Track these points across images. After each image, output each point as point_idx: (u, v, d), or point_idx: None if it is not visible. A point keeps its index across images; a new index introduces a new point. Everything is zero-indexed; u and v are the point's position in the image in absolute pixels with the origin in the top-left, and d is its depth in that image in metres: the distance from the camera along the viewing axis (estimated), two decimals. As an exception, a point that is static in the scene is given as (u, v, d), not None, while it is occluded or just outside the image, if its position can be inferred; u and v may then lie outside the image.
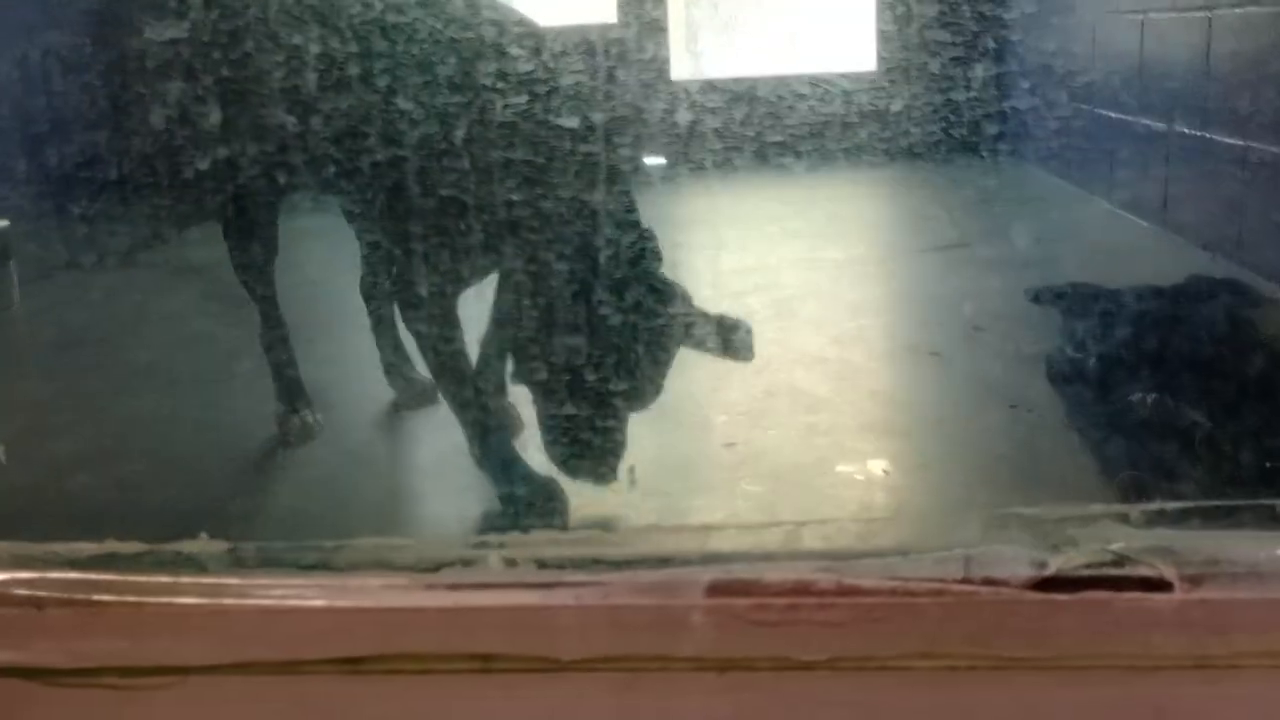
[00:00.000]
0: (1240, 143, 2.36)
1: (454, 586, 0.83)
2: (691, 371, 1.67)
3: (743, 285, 2.46)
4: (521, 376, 1.60)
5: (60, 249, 2.70)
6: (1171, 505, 0.83)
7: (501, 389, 1.87)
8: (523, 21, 1.59)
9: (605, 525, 0.89)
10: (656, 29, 3.39)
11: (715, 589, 0.79)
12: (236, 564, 0.86)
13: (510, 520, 1.56)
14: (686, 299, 1.58)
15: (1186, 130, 2.61)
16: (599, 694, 0.80)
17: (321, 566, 0.86)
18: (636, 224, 1.54)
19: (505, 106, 1.48)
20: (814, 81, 2.86)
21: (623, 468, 1.57)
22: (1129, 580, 0.77)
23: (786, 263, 2.78)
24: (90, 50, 2.70)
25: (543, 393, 1.58)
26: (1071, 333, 1.86)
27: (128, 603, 0.83)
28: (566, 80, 1.52)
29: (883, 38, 3.44)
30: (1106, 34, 3.14)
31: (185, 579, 0.85)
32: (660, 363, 1.56)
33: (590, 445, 1.56)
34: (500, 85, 1.49)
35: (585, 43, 1.61)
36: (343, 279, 2.13)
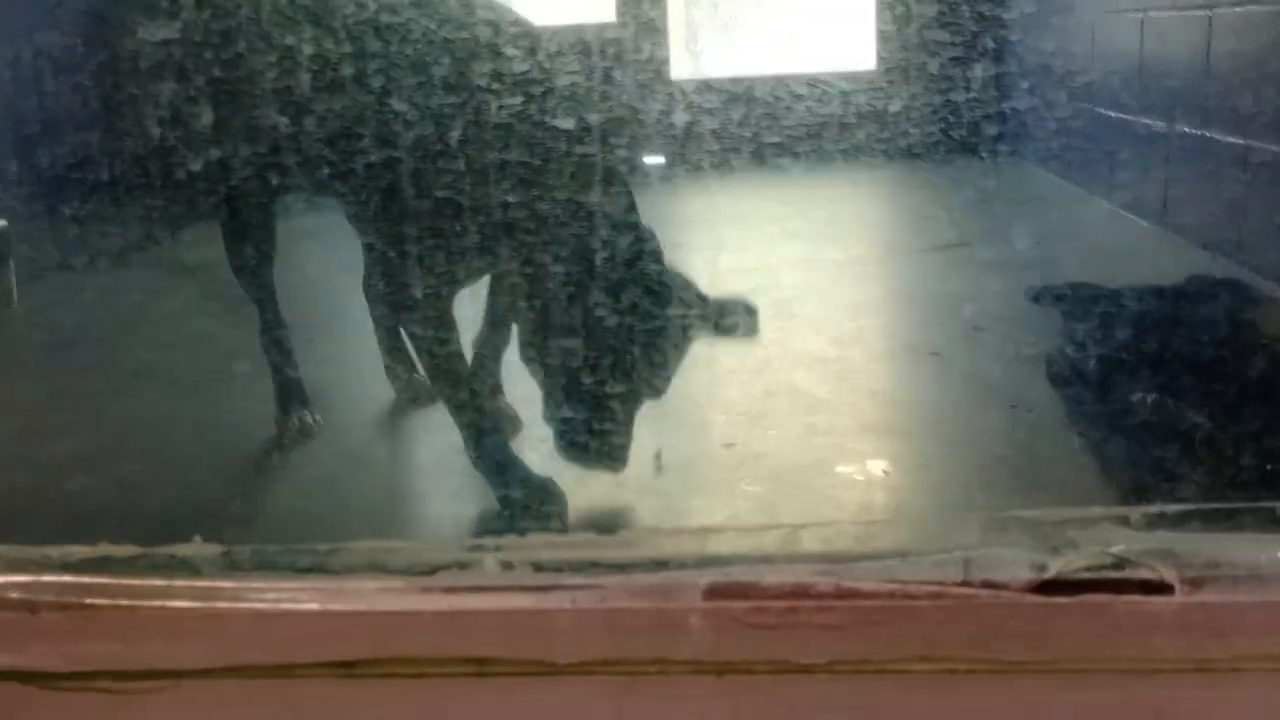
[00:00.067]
0: (1241, 142, 2.36)
1: (449, 589, 0.82)
2: (691, 371, 1.67)
3: (742, 285, 2.45)
4: (532, 372, 1.61)
5: (52, 249, 2.70)
6: (1172, 508, 0.83)
7: (497, 390, 1.87)
8: (518, 21, 1.58)
9: (602, 527, 0.88)
10: (654, 29, 3.39)
11: (713, 592, 0.79)
12: (230, 567, 0.86)
13: (508, 522, 1.56)
14: (689, 286, 1.59)
15: (1187, 130, 2.60)
16: (596, 698, 0.79)
17: (316, 569, 0.85)
18: (635, 224, 1.54)
19: (500, 107, 1.48)
20: (813, 82, 2.86)
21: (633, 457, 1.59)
22: (1129, 583, 0.77)
23: (786, 263, 2.77)
24: (82, 50, 2.70)
25: (553, 385, 1.58)
26: (1071, 333, 1.85)
27: (121, 606, 0.83)
28: (563, 80, 1.51)
29: (882, 37, 3.44)
30: (1106, 33, 3.13)
31: (179, 582, 0.84)
32: (667, 353, 1.57)
33: (602, 434, 1.57)
34: (495, 86, 1.49)
35: (582, 42, 1.61)
36: (343, 279, 2.13)
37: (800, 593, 0.78)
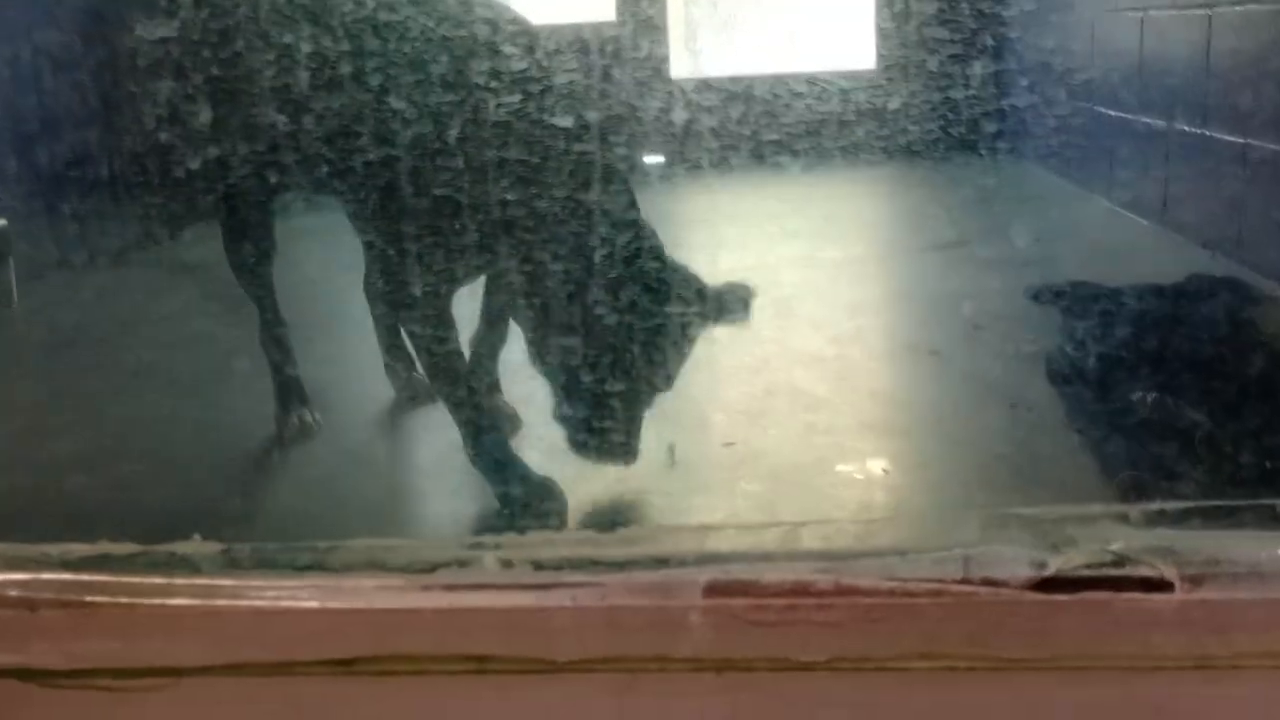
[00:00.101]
0: (1240, 141, 2.36)
1: (449, 587, 0.82)
2: (691, 371, 1.67)
3: (742, 284, 2.46)
4: (541, 372, 1.61)
5: (52, 247, 2.70)
6: (1172, 505, 0.83)
7: (495, 388, 1.87)
8: (516, 20, 1.58)
9: (602, 527, 0.88)
10: (653, 26, 3.38)
11: (713, 589, 0.79)
12: (230, 565, 0.86)
13: (507, 520, 1.56)
14: (690, 281, 1.61)
15: (1187, 128, 2.60)
16: (596, 695, 0.79)
17: (316, 567, 0.85)
18: (635, 221, 1.54)
19: (499, 105, 1.48)
20: (812, 80, 2.85)
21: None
22: (1129, 580, 0.77)
23: (785, 262, 2.77)
24: (81, 48, 2.70)
25: (563, 384, 1.59)
26: (1071, 332, 1.85)
27: (121, 604, 0.83)
28: (562, 79, 1.52)
29: (881, 34, 3.43)
30: (1106, 32, 3.13)
31: (179, 580, 0.84)
32: (674, 347, 1.60)
33: (613, 429, 1.58)
34: (494, 84, 1.49)
35: (580, 41, 1.61)
36: (342, 279, 2.13)
37: (800, 590, 0.78)
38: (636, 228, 1.54)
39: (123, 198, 2.64)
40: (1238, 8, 2.39)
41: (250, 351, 1.98)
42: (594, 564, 0.83)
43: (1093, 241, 2.84)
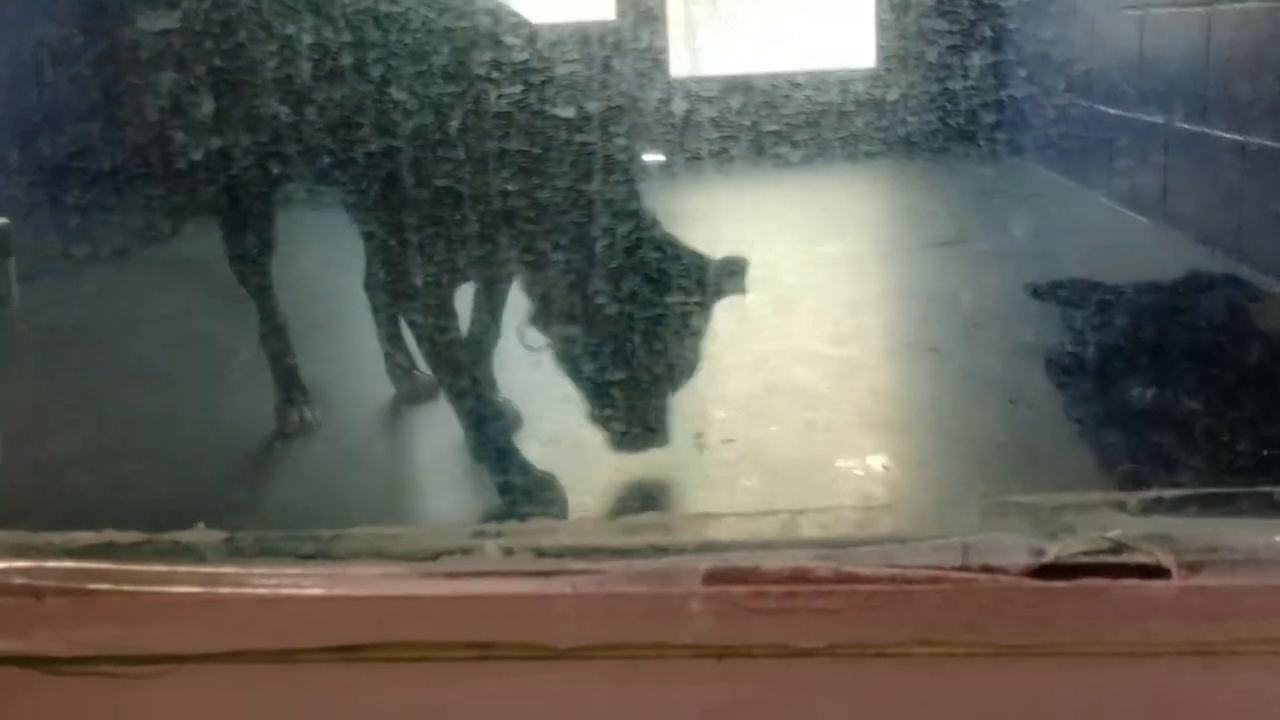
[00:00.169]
0: (1239, 137, 2.36)
1: (451, 575, 0.83)
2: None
3: (741, 282, 2.46)
4: (570, 375, 1.63)
5: (54, 241, 2.70)
6: (1169, 493, 0.83)
7: (490, 382, 1.87)
8: (514, 16, 1.59)
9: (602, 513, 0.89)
10: (653, 18, 3.38)
11: (713, 577, 0.79)
12: (233, 553, 0.86)
13: (508, 510, 1.56)
14: (700, 264, 1.64)
15: (1186, 125, 2.60)
16: (596, 682, 0.79)
17: (318, 555, 0.85)
18: (637, 212, 1.55)
19: (500, 96, 1.49)
20: (812, 77, 2.86)
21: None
22: (1127, 567, 0.77)
23: (785, 259, 2.77)
24: (82, 40, 2.69)
25: (590, 385, 1.62)
26: (1071, 328, 1.85)
27: (125, 592, 0.83)
28: (562, 72, 1.52)
29: (881, 26, 3.43)
30: (1106, 30, 3.14)
31: (182, 568, 0.85)
32: (695, 331, 1.63)
33: (643, 417, 1.63)
34: (495, 75, 1.50)
35: (581, 38, 1.61)
36: (341, 275, 2.13)
37: (799, 577, 0.78)
38: (639, 217, 1.56)
39: (125, 191, 2.64)
40: (1237, 5, 2.39)
41: (250, 348, 1.99)
42: (595, 551, 0.83)
43: (1092, 238, 2.84)
